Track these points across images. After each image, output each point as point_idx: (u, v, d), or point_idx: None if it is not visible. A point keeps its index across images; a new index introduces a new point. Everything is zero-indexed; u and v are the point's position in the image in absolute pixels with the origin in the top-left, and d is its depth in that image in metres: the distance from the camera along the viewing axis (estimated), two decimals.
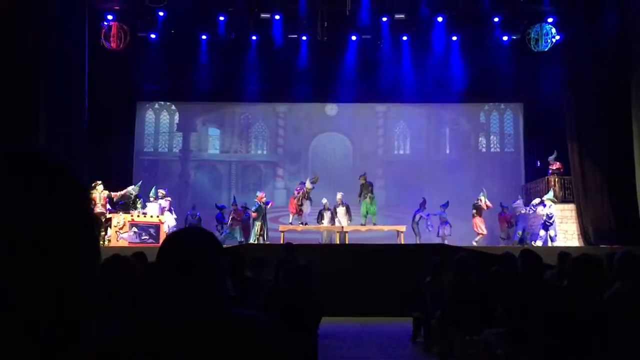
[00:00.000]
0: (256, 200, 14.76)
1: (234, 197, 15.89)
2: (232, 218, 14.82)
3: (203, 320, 1.26)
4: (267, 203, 14.76)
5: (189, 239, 1.39)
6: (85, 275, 0.69)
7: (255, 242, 13.98)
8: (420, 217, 15.10)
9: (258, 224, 14.45)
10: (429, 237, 14.85)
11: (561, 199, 15.38)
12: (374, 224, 14.86)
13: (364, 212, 14.93)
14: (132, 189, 14.26)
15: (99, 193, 13.45)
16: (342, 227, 14.48)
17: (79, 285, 0.68)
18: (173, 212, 14.68)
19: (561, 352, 3.70)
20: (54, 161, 0.69)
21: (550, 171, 15.63)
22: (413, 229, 14.95)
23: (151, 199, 14.36)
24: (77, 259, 0.68)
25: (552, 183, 15.46)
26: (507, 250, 6.03)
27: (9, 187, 0.64)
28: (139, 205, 14.13)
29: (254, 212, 14.66)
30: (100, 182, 13.57)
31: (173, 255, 1.35)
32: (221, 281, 1.33)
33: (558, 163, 15.48)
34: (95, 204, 12.89)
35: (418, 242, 14.44)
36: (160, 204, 14.29)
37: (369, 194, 14.97)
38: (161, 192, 14.63)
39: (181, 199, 17.73)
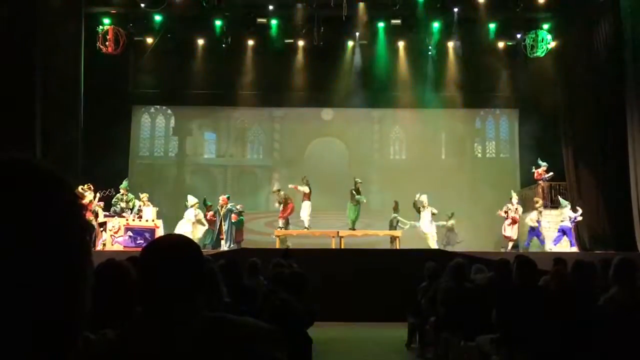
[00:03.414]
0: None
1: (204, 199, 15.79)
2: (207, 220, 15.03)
3: (194, 325, 1.26)
4: (231, 210, 14.71)
5: (168, 248, 1.40)
6: (79, 282, 0.68)
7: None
8: (398, 221, 15.06)
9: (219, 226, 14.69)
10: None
11: (555, 205, 15.42)
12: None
13: (353, 217, 14.90)
14: (118, 196, 14.20)
15: (89, 196, 13.32)
16: (338, 231, 14.45)
17: (73, 291, 0.68)
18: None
19: (556, 358, 3.70)
20: (44, 167, 0.68)
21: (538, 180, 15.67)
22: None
23: (149, 204, 14.30)
24: (70, 267, 0.68)
25: (540, 190, 15.49)
26: (502, 257, 6.04)
27: None
28: (132, 204, 14.08)
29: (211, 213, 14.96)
30: (88, 185, 13.42)
31: (153, 264, 1.35)
32: (209, 287, 1.33)
33: (538, 171, 15.48)
34: (86, 210, 12.84)
35: (397, 247, 14.35)
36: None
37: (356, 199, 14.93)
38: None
39: (177, 203, 17.67)
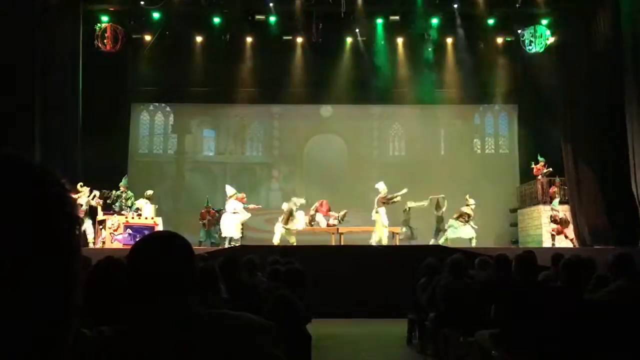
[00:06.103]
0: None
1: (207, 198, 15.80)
2: (207, 219, 15.00)
3: (190, 321, 1.26)
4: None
5: (157, 246, 1.39)
6: (68, 277, 0.68)
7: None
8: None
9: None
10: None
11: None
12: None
13: None
14: (118, 193, 14.19)
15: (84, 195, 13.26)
16: (337, 228, 14.46)
17: (61, 286, 0.67)
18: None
19: (554, 353, 3.70)
20: (29, 162, 0.68)
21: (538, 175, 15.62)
22: (411, 230, 14.96)
23: (149, 201, 14.29)
24: (61, 262, 0.67)
25: (540, 186, 15.46)
26: (501, 252, 6.05)
27: None
28: (130, 203, 14.06)
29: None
30: (81, 185, 13.36)
31: (143, 262, 1.35)
32: (206, 283, 1.33)
33: (537, 166, 15.45)
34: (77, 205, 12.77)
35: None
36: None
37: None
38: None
39: (176, 200, 17.69)
